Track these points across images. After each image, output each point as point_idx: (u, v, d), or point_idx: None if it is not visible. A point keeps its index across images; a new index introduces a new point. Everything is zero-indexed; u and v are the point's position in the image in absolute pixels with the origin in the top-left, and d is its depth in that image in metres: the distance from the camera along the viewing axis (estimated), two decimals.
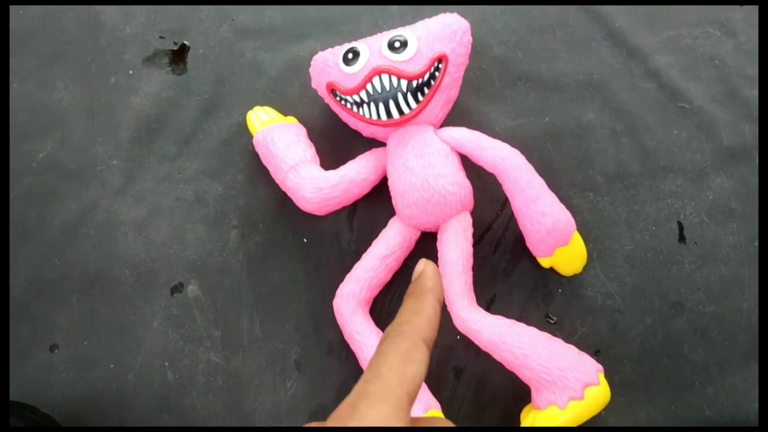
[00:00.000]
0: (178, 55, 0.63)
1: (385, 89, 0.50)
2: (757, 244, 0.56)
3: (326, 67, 0.54)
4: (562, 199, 0.52)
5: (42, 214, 0.58)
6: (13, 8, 0.65)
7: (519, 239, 0.55)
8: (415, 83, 0.50)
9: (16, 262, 0.57)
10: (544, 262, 0.55)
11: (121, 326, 0.55)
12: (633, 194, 0.58)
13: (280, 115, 0.59)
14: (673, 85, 0.61)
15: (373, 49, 0.51)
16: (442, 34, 0.52)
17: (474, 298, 0.51)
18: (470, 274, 0.52)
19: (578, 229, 0.54)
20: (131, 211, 0.58)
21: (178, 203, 0.58)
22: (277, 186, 0.56)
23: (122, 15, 0.65)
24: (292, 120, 0.59)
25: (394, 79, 0.50)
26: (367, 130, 0.55)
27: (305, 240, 0.57)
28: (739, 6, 0.65)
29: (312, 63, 0.56)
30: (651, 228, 0.57)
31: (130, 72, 0.63)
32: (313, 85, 0.57)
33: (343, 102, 0.54)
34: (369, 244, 0.54)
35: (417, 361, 0.28)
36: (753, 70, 0.62)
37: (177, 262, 0.57)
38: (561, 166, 0.59)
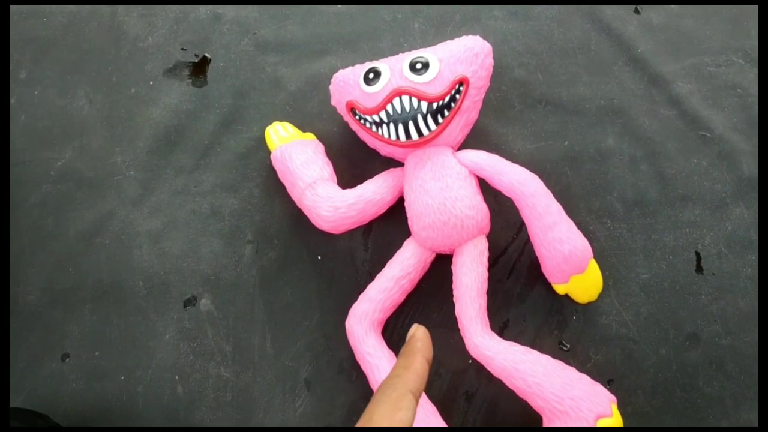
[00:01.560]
0: (199, 68, 0.63)
1: (405, 110, 0.50)
2: None
3: (346, 85, 0.54)
4: (579, 225, 0.52)
5: (58, 222, 0.58)
6: (36, 16, 0.66)
7: (534, 264, 0.55)
8: (435, 105, 0.51)
9: (31, 270, 0.57)
10: (560, 289, 0.54)
11: (132, 338, 0.55)
12: (651, 222, 0.57)
13: (299, 131, 0.59)
14: (695, 113, 0.61)
15: (394, 69, 0.52)
16: (464, 57, 0.52)
17: (488, 323, 0.51)
18: (485, 298, 0.51)
19: (595, 256, 0.53)
20: (147, 222, 0.58)
21: (194, 216, 0.58)
22: (293, 202, 0.56)
23: (145, 25, 0.65)
24: (310, 136, 0.59)
25: (415, 101, 0.50)
26: (385, 150, 0.55)
27: (319, 257, 0.57)
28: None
29: (332, 81, 0.56)
30: (668, 257, 0.56)
31: (151, 83, 0.63)
32: (333, 103, 0.57)
33: (362, 121, 0.54)
34: (384, 263, 0.54)
35: (405, 409, 0.33)
36: None
37: (191, 276, 0.57)
38: (579, 191, 0.58)
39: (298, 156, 0.55)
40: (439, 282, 0.55)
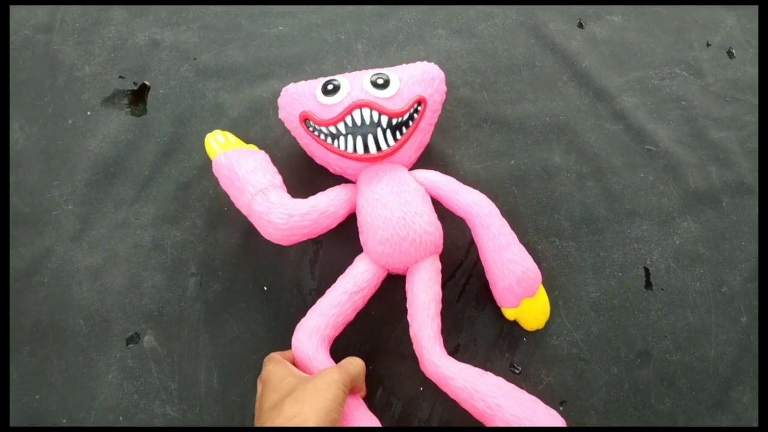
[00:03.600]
0: (138, 96, 0.62)
1: (365, 123, 0.50)
2: (724, 290, 0.56)
3: (300, 97, 0.53)
4: (527, 245, 0.51)
5: None
6: None
7: (483, 288, 0.54)
8: (395, 121, 0.51)
9: None
10: (509, 314, 0.54)
11: (74, 379, 0.53)
12: (599, 239, 0.57)
13: (241, 141, 0.57)
14: (640, 127, 0.61)
15: (354, 83, 0.52)
16: (422, 79, 0.53)
17: (442, 344, 0.50)
18: (439, 319, 0.50)
19: (544, 276, 0.53)
20: (87, 258, 0.56)
21: (136, 250, 0.57)
22: (237, 232, 0.55)
23: (81, 53, 0.64)
24: (252, 147, 0.57)
25: (375, 114, 0.50)
26: (337, 164, 0.54)
27: (266, 288, 0.56)
28: (706, 46, 0.65)
29: (282, 93, 0.55)
30: (617, 274, 0.56)
31: (89, 113, 0.61)
32: (281, 115, 0.56)
33: (316, 133, 0.53)
34: None
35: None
36: (719, 111, 0.62)
37: (133, 312, 0.55)
38: (526, 210, 0.58)
39: (246, 161, 0.53)
40: (387, 307, 0.54)
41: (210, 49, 0.64)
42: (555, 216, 0.58)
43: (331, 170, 0.56)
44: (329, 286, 0.53)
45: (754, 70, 0.64)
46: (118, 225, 0.57)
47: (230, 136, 0.57)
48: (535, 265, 0.52)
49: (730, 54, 0.65)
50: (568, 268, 0.56)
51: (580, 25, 0.66)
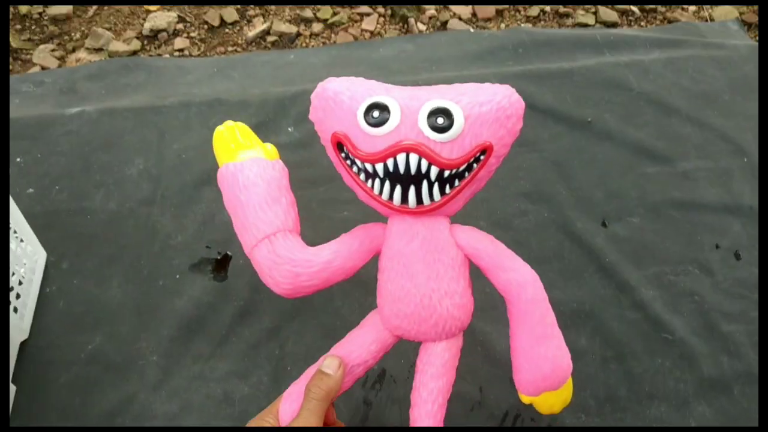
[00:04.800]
0: (221, 264, 0.72)
1: (410, 171, 0.41)
2: None
3: (337, 108, 0.44)
4: (555, 420, 0.57)
5: (84, 402, 0.64)
6: (82, 213, 0.76)
7: None
8: (447, 173, 0.42)
9: None
10: (525, 399, 0.51)
11: None
12: (621, 417, 0.63)
13: (258, 139, 0.51)
14: (657, 317, 0.69)
15: (407, 113, 0.42)
16: (493, 118, 0.42)
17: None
18: (445, 408, 0.48)
19: None
20: (164, 405, 0.64)
21: (208, 400, 0.64)
22: None
23: (176, 225, 0.75)
24: (272, 153, 0.50)
25: (425, 163, 0.41)
26: (366, 201, 0.47)
27: None
28: (715, 248, 0.74)
29: (318, 89, 0.46)
30: None
31: (177, 276, 0.71)
32: (312, 117, 0.47)
33: (348, 162, 0.45)
34: None
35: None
36: (730, 307, 0.70)
37: None
38: None
39: (256, 189, 0.46)
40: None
41: None
42: (581, 394, 0.64)
43: (359, 197, 0.48)
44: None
45: (757, 270, 0.73)
46: (194, 377, 0.65)
47: (248, 131, 0.51)
48: (568, 362, 0.49)
49: (737, 256, 0.74)
50: None
51: (604, 225, 0.76)
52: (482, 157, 0.43)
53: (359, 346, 0.48)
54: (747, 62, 0.96)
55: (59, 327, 0.68)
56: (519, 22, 1.14)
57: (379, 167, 0.42)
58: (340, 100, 0.43)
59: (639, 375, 0.65)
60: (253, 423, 0.49)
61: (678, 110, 0.89)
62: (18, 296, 0.66)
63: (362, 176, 0.44)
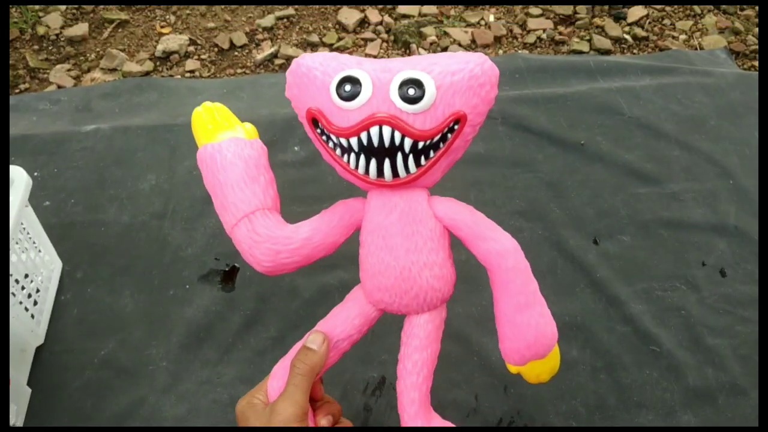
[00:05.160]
0: (229, 275, 0.76)
1: (384, 144, 0.41)
2: None
3: (311, 84, 0.43)
4: (546, 426, 0.60)
5: (96, 404, 0.67)
6: (96, 225, 0.79)
7: None
8: (421, 144, 0.42)
9: None
10: (512, 369, 0.52)
11: None
12: (610, 425, 0.66)
13: (236, 119, 0.51)
14: (646, 331, 0.72)
15: (378, 85, 0.41)
16: (466, 86, 0.42)
17: (429, 406, 0.50)
18: (431, 380, 0.49)
19: None
20: (173, 409, 0.67)
21: (214, 405, 0.67)
22: None
23: (186, 238, 0.78)
24: (251, 132, 0.50)
25: (398, 135, 0.41)
26: (344, 176, 0.46)
27: None
28: (702, 266, 0.77)
29: (293, 66, 0.45)
30: None
31: (187, 286, 0.75)
32: (288, 95, 0.47)
33: (324, 138, 0.45)
34: None
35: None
36: (715, 321, 0.73)
37: None
38: (548, 395, 0.67)
39: (234, 168, 0.46)
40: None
41: None
42: (572, 402, 0.67)
43: (338, 173, 0.47)
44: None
45: (743, 288, 0.76)
46: (202, 382, 0.68)
47: (225, 111, 0.51)
48: (552, 329, 0.49)
49: (722, 273, 0.77)
50: None
51: (595, 242, 0.79)
52: (456, 127, 0.42)
53: (343, 321, 0.49)
54: (733, 89, 1.00)
55: (73, 333, 0.71)
56: (516, 48, 1.19)
57: (354, 141, 0.42)
58: (313, 75, 0.43)
59: (627, 385, 0.68)
60: (243, 401, 0.51)
61: (667, 134, 0.93)
62: (35, 303, 0.70)
63: (338, 151, 0.44)
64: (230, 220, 0.47)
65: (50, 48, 1.11)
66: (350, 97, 0.41)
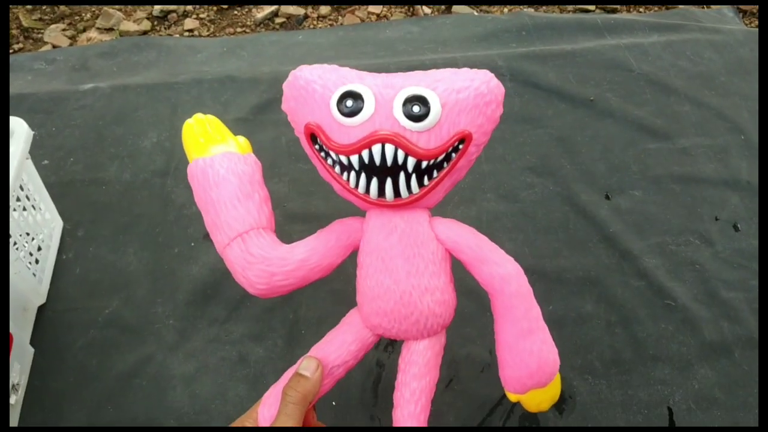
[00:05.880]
0: None
1: (386, 163, 0.39)
2: None
3: (309, 98, 0.42)
4: (563, 380, 0.59)
5: (102, 363, 0.65)
6: (97, 183, 0.77)
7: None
8: (425, 164, 0.40)
9: (74, 407, 0.63)
10: (512, 397, 0.50)
11: None
12: (627, 379, 0.65)
13: (229, 132, 0.48)
14: (660, 285, 0.71)
15: (381, 101, 0.40)
16: (472, 105, 0.40)
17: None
18: (429, 409, 0.47)
19: (577, 409, 0.60)
20: (181, 366, 0.65)
21: (223, 362, 0.66)
22: None
23: (190, 195, 0.75)
24: (245, 146, 0.48)
25: (401, 154, 0.39)
26: (342, 194, 0.45)
27: (334, 403, 0.64)
28: (715, 220, 0.76)
29: (290, 79, 0.44)
30: (644, 411, 0.63)
31: (192, 244, 0.73)
32: (284, 108, 0.45)
33: (323, 154, 0.43)
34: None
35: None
36: (729, 275, 0.72)
37: (218, 417, 0.63)
38: (562, 350, 0.64)
39: (227, 185, 0.44)
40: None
41: (297, 198, 0.76)
42: (588, 357, 0.66)
43: (336, 191, 0.46)
44: (390, 405, 0.61)
45: (756, 242, 0.75)
46: (210, 340, 0.67)
47: (218, 123, 0.48)
48: (555, 357, 0.47)
49: (735, 228, 0.76)
50: (600, 403, 0.64)
51: (607, 197, 0.78)
52: (461, 146, 0.41)
53: (338, 347, 0.47)
54: (742, 46, 0.98)
55: (76, 292, 0.70)
56: (521, 6, 1.16)
57: (354, 159, 0.40)
58: (312, 89, 0.42)
59: (643, 339, 0.67)
60: (232, 426, 0.48)
61: (676, 90, 0.91)
62: (37, 261, 0.68)
63: (337, 169, 0.42)
64: (222, 240, 0.44)
65: (44, 8, 1.08)
66: (352, 113, 0.40)
